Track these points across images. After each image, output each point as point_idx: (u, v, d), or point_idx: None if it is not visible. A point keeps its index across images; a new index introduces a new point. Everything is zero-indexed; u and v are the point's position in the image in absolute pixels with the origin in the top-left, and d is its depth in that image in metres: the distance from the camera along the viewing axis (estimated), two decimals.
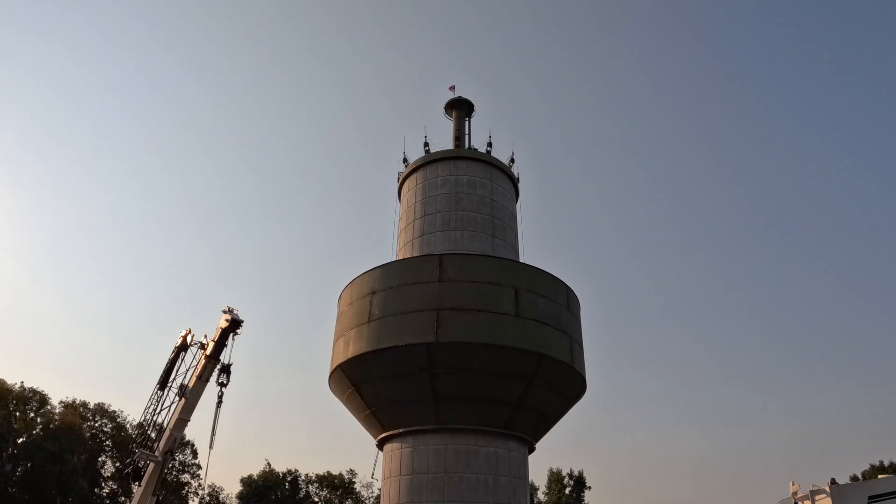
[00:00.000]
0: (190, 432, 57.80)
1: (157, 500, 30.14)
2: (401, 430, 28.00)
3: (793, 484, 28.57)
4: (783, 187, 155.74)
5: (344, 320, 29.33)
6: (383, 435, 28.97)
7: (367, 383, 27.96)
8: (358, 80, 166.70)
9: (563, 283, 29.73)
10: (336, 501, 78.18)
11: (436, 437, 27.13)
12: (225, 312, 30.13)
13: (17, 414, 61.71)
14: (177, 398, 30.01)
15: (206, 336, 30.66)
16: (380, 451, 30.04)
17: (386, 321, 26.95)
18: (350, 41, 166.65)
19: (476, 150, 35.10)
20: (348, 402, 30.12)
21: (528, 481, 29.55)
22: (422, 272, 27.58)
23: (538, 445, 30.66)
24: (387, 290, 27.71)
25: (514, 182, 35.01)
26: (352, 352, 27.50)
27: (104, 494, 64.60)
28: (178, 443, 31.69)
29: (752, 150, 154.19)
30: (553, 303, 28.39)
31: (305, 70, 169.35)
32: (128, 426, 65.75)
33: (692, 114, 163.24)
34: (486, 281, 27.09)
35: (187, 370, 30.52)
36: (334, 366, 28.88)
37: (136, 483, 30.55)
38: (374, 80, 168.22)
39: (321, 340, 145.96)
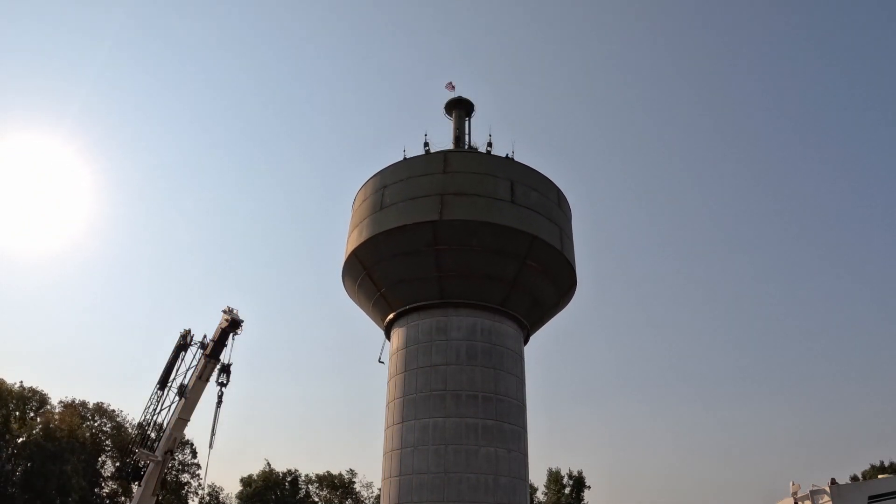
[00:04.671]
0: (190, 432, 57.76)
1: (157, 500, 30.17)
2: (407, 307, 30.28)
3: (793, 484, 28.61)
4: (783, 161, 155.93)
5: (358, 214, 31.94)
6: (391, 316, 31.13)
7: (378, 265, 30.36)
8: (358, 80, 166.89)
9: (555, 184, 32.52)
10: (336, 501, 78.23)
11: (439, 314, 29.52)
12: (225, 312, 30.24)
13: (17, 414, 61.73)
14: (177, 398, 30.08)
15: (205, 336, 30.75)
16: (387, 341, 32.20)
17: (396, 206, 29.75)
18: (350, 40, 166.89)
19: (476, 149, 35.12)
20: (359, 291, 32.22)
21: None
22: (429, 166, 30.62)
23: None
24: (397, 182, 30.58)
25: None
26: (365, 236, 30.11)
27: (104, 494, 64.60)
28: (178, 443, 31.75)
29: (758, 150, 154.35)
30: (545, 198, 31.36)
31: (303, 69, 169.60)
32: (127, 426, 65.77)
33: (695, 111, 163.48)
34: (485, 172, 30.41)
35: (187, 370, 30.62)
36: (348, 253, 31.33)
37: (136, 483, 30.61)
38: (375, 79, 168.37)
39: (321, 339, 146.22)
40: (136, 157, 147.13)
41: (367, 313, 33.53)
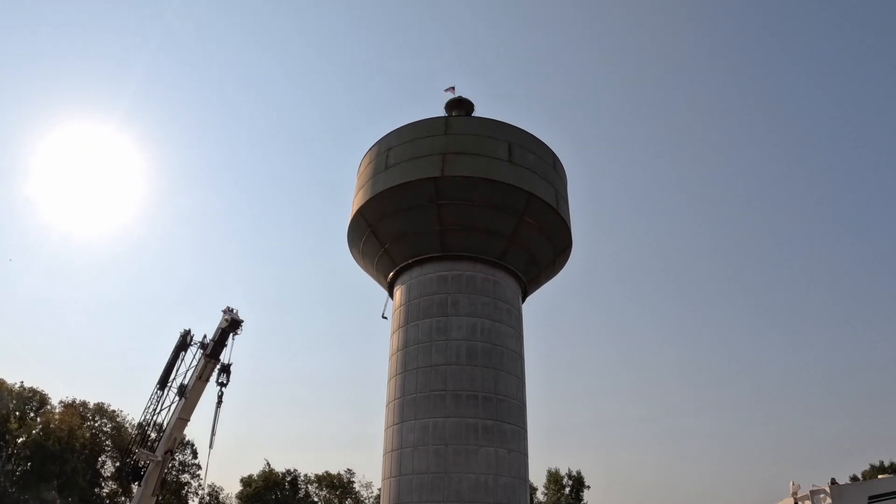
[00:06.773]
0: (190, 432, 57.73)
1: (157, 500, 30.20)
2: (410, 261, 31.52)
3: (793, 484, 28.67)
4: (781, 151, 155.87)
5: (363, 177, 33.24)
6: (393, 273, 32.41)
7: (382, 222, 31.68)
8: (358, 78, 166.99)
9: (551, 149, 33.86)
10: (336, 501, 78.24)
11: (441, 266, 30.94)
12: (225, 312, 30.32)
13: (17, 414, 61.75)
14: (177, 398, 30.12)
15: (205, 336, 30.80)
16: (390, 299, 33.23)
17: (400, 166, 31.20)
18: (350, 40, 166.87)
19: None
20: (364, 251, 33.30)
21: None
22: (431, 129, 32.16)
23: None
24: (400, 144, 32.01)
25: None
26: (369, 194, 31.45)
27: (104, 494, 64.59)
28: (178, 443, 31.78)
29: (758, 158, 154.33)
30: (541, 160, 32.78)
31: (304, 67, 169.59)
32: (127, 426, 65.75)
33: (696, 112, 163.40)
34: (485, 135, 31.92)
35: (187, 370, 30.67)
36: (353, 213, 32.57)
37: (136, 483, 30.64)
38: (374, 78, 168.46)
39: (321, 339, 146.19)
40: (135, 152, 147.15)
41: (371, 274, 34.76)
